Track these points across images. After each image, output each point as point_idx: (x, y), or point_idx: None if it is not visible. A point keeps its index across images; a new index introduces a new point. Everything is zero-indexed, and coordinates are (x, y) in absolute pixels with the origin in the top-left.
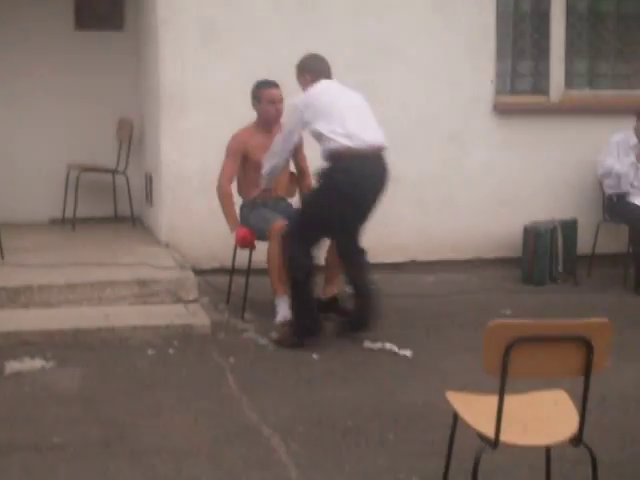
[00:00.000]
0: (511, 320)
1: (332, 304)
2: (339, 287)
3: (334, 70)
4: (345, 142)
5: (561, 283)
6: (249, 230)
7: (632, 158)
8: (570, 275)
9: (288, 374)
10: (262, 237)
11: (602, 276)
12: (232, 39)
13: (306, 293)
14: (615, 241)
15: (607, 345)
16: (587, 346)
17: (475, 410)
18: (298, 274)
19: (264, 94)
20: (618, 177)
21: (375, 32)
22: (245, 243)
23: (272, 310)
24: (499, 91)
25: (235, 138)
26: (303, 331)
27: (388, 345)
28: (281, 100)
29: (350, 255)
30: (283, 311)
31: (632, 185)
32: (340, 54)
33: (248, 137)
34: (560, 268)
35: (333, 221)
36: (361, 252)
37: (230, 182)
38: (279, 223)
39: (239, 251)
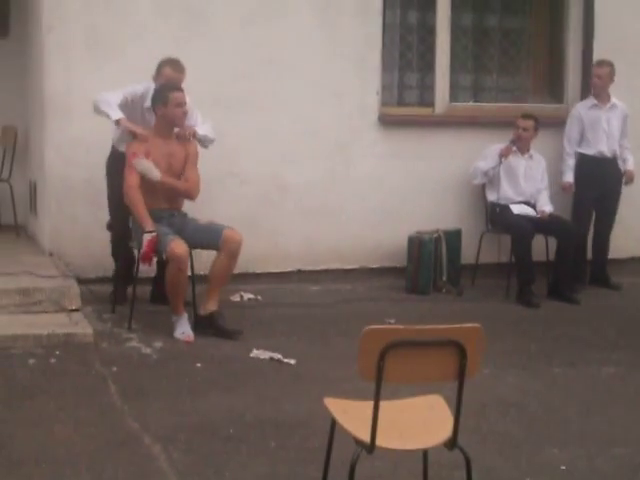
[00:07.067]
0: (384, 326)
1: (211, 320)
2: (217, 304)
3: (221, 80)
4: None
5: (445, 292)
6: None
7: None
8: (454, 284)
9: (170, 383)
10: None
11: (485, 285)
12: (117, 46)
13: None
14: (498, 251)
15: (480, 350)
16: (460, 350)
17: (352, 416)
18: None
19: (172, 97)
20: (483, 173)
21: (261, 42)
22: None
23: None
24: (385, 102)
25: (132, 146)
26: None
27: (273, 354)
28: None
29: None
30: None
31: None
32: (226, 64)
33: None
34: (444, 277)
35: None
36: None
37: (135, 189)
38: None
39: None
